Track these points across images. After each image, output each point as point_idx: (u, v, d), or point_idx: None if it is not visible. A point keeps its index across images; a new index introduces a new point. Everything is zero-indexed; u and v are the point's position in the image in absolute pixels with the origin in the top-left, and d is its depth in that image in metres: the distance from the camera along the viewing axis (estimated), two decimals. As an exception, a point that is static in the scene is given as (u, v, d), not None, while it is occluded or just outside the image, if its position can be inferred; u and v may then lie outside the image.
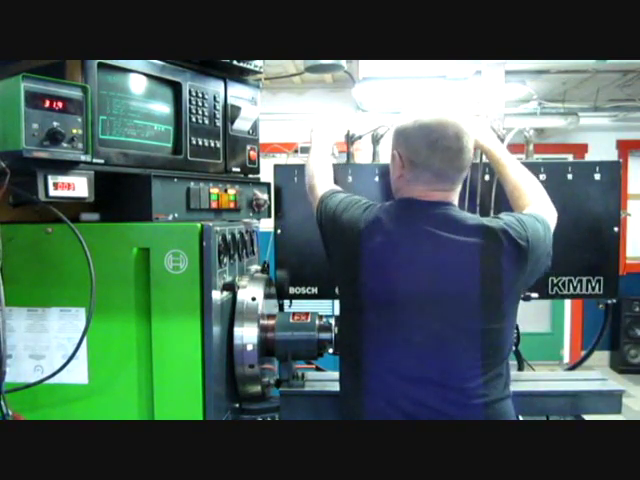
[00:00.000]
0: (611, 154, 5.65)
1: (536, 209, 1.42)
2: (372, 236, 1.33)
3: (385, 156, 1.88)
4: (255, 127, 1.78)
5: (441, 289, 1.28)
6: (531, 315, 5.09)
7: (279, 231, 1.84)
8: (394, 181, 1.42)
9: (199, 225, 1.37)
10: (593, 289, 1.76)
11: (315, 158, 1.69)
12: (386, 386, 1.31)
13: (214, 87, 1.63)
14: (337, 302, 1.85)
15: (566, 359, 5.90)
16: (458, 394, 1.27)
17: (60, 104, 1.21)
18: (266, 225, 1.90)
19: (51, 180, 1.22)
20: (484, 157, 1.75)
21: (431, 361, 1.28)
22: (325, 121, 1.81)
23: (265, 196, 1.75)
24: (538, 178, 1.64)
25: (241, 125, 1.71)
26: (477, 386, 1.27)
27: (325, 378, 1.78)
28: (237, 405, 1.61)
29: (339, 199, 1.46)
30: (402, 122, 1.37)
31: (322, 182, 1.59)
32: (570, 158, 5.69)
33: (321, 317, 1.68)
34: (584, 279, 1.76)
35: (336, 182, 1.83)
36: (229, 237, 1.51)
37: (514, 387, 1.38)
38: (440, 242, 1.28)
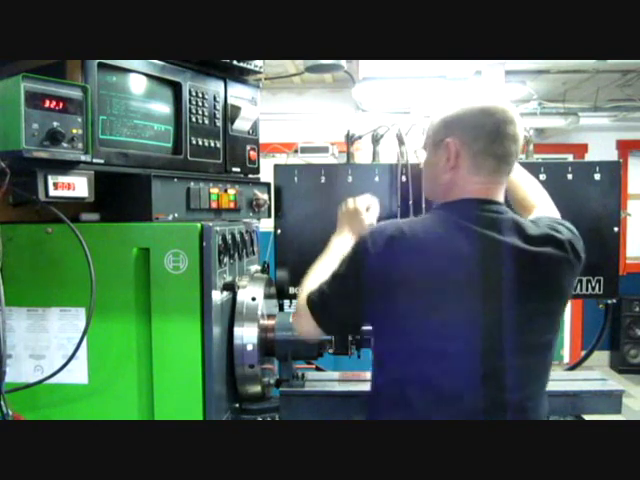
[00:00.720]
0: (611, 154, 5.65)
1: (549, 211, 1.41)
2: (434, 256, 1.17)
3: (385, 156, 1.88)
4: (255, 127, 1.78)
5: (516, 304, 1.18)
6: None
7: (279, 231, 1.84)
8: (443, 173, 1.27)
9: (199, 225, 1.37)
10: (593, 289, 1.77)
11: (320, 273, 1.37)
12: (451, 407, 1.19)
13: (214, 87, 1.63)
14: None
15: (566, 359, 5.90)
16: (521, 413, 1.20)
17: (60, 104, 1.21)
18: (266, 225, 1.90)
19: (51, 180, 1.22)
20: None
21: (500, 381, 1.18)
22: (357, 209, 1.53)
23: (265, 196, 1.75)
24: (538, 178, 1.64)
25: (241, 125, 1.71)
26: (538, 403, 1.23)
27: (325, 378, 1.78)
28: (237, 405, 1.61)
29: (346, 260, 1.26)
30: (453, 110, 1.27)
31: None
32: (570, 158, 5.70)
33: (321, 317, 1.68)
34: (584, 279, 1.76)
35: (336, 182, 1.84)
36: (229, 237, 1.51)
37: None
38: (514, 253, 1.19)
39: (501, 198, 1.28)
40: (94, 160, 1.31)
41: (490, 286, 1.17)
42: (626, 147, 5.80)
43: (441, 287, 1.17)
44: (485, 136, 1.23)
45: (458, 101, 1.29)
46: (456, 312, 1.18)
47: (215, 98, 1.63)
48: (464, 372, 1.17)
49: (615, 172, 1.76)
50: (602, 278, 1.76)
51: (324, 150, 4.24)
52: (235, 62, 1.63)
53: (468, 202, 1.24)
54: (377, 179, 1.81)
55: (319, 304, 1.27)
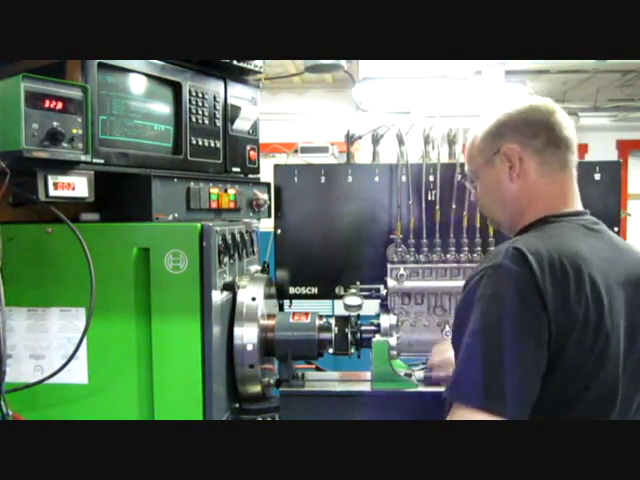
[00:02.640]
0: (611, 154, 5.66)
1: None
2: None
3: (385, 156, 1.89)
4: (255, 127, 1.78)
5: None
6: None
7: (279, 231, 1.84)
8: (509, 185, 1.19)
9: (199, 225, 1.37)
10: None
11: None
12: None
13: (214, 87, 1.63)
14: (337, 302, 1.85)
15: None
16: None
17: (60, 104, 1.21)
18: (266, 225, 1.90)
19: (51, 180, 1.22)
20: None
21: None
22: None
23: (265, 196, 1.75)
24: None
25: (241, 125, 1.71)
26: None
27: (325, 378, 1.78)
28: (237, 405, 1.61)
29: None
30: (494, 119, 1.22)
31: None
32: (570, 158, 5.70)
33: (321, 317, 1.68)
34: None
35: (336, 182, 1.84)
36: (229, 237, 1.51)
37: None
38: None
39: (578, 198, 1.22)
40: (94, 160, 1.30)
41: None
42: (626, 147, 5.81)
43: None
44: (543, 129, 1.17)
45: (494, 111, 1.23)
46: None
47: (215, 98, 1.63)
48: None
49: (615, 172, 1.76)
50: (602, 278, 1.75)
51: (324, 150, 4.24)
52: (235, 62, 1.64)
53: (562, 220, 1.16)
54: (377, 179, 1.82)
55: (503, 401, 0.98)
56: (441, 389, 1.65)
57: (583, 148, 5.77)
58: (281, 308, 1.88)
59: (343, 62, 2.06)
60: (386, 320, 1.67)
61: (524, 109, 1.20)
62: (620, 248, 1.18)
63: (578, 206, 1.23)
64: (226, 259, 1.48)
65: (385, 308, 1.74)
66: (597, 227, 1.19)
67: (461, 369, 1.03)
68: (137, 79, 1.44)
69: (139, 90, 1.46)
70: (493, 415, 0.97)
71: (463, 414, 1.00)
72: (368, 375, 1.70)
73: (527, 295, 0.99)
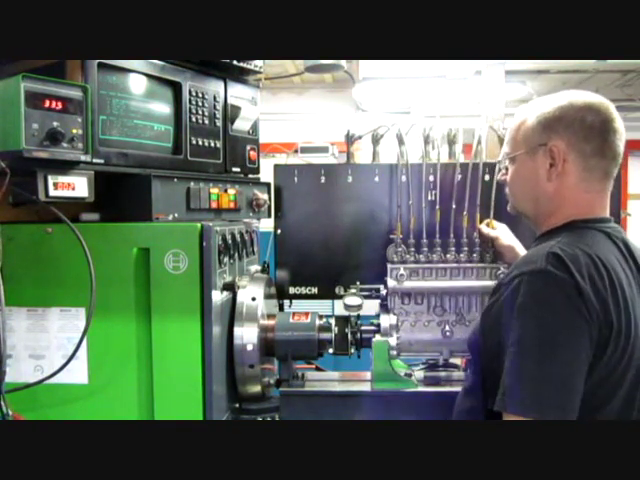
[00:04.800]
0: (611, 154, 5.65)
1: None
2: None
3: (385, 156, 1.88)
4: (255, 127, 1.78)
5: None
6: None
7: (279, 231, 1.84)
8: (546, 182, 1.16)
9: (199, 225, 1.37)
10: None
11: None
12: None
13: (214, 87, 1.63)
14: (337, 302, 1.85)
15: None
16: None
17: (60, 104, 1.21)
18: (266, 225, 1.90)
19: (51, 180, 1.22)
20: (484, 157, 1.75)
21: None
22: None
23: (265, 196, 1.75)
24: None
25: (241, 125, 1.71)
26: None
27: (325, 378, 1.78)
28: (237, 405, 1.61)
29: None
30: (550, 108, 1.17)
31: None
32: (570, 158, 5.69)
33: (321, 317, 1.68)
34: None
35: (336, 182, 1.84)
36: (229, 237, 1.51)
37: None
38: None
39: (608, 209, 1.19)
40: (94, 160, 1.31)
41: None
42: (626, 147, 5.80)
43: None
44: (597, 135, 1.13)
45: (552, 99, 1.19)
46: None
47: (215, 98, 1.63)
48: None
49: (615, 172, 1.76)
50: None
51: (324, 150, 4.24)
52: (235, 62, 1.64)
53: (592, 227, 1.13)
54: (377, 179, 1.82)
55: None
56: (441, 389, 1.67)
57: (583, 148, 5.76)
58: (281, 308, 1.88)
59: (343, 62, 2.06)
60: (386, 320, 1.67)
61: (583, 107, 1.14)
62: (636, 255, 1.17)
63: (605, 214, 1.20)
64: (226, 259, 1.48)
65: (385, 308, 1.74)
66: (620, 235, 1.18)
67: (513, 380, 1.00)
68: (137, 79, 1.44)
69: (139, 90, 1.46)
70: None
71: None
72: (368, 375, 1.70)
73: (575, 301, 0.99)
